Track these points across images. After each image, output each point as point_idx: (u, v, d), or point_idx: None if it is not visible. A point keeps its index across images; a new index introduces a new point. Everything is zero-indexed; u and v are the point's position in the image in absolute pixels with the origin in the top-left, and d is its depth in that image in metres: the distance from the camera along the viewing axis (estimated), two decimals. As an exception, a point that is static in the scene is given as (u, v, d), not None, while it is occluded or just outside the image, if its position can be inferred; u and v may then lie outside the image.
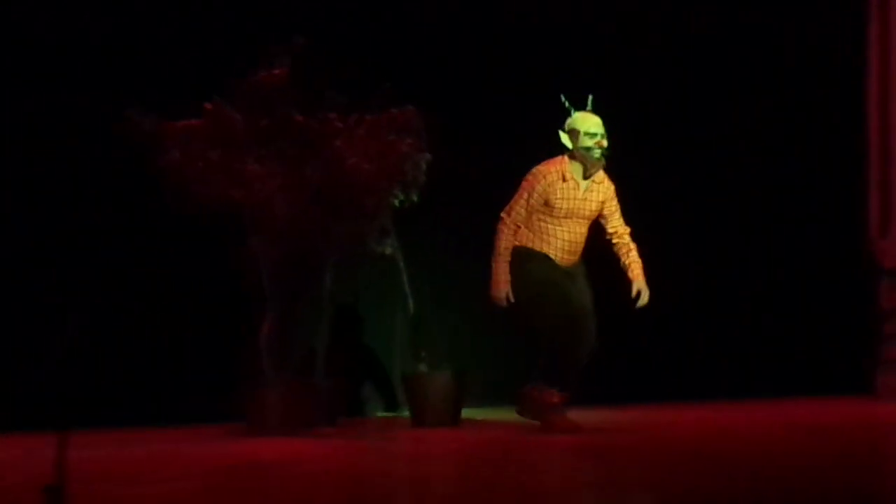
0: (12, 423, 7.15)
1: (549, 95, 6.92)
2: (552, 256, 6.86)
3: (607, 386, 7.70)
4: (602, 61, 8.74)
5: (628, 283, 6.87)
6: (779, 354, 9.31)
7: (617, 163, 6.94)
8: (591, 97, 6.81)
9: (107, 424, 7.31)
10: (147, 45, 7.93)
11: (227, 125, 7.05)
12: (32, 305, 7.70)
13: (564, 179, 6.80)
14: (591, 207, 6.88)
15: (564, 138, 6.82)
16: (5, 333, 7.81)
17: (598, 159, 6.80)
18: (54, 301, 7.40)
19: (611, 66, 8.77)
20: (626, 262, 6.93)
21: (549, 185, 6.77)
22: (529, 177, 6.84)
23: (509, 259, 6.76)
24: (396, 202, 7.32)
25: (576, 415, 6.73)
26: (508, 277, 6.76)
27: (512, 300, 6.73)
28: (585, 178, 6.85)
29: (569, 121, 6.83)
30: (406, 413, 8.01)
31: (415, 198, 7.33)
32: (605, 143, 6.78)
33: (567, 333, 6.64)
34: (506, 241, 6.78)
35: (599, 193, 6.90)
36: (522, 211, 6.78)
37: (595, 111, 6.79)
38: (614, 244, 6.98)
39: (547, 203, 6.78)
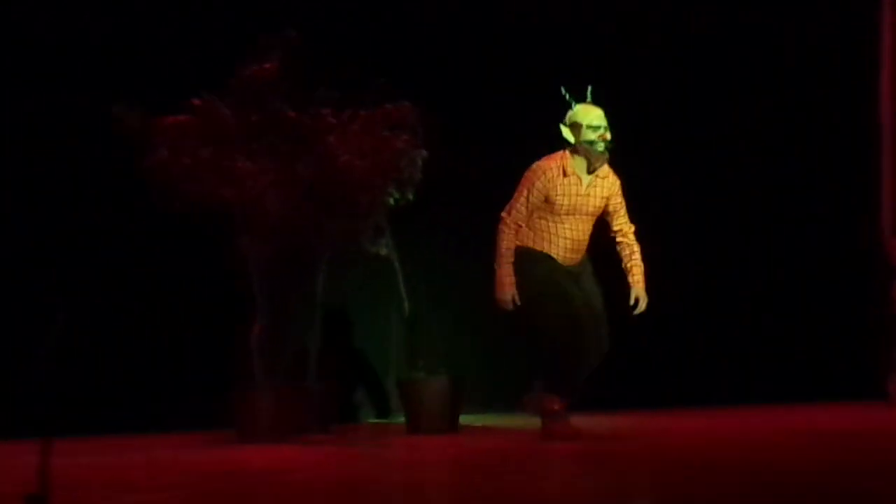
0: (-6, 430, 7.05)
1: (548, 90, 6.80)
2: (554, 256, 6.72)
3: (606, 391, 7.55)
4: (602, 59, 8.63)
5: (627, 287, 6.77)
6: (786, 359, 9.30)
7: (617, 163, 6.84)
8: (590, 88, 6.69)
9: (91, 431, 7.24)
10: (134, 38, 7.81)
11: (217, 121, 6.96)
12: (14, 307, 7.57)
13: (565, 175, 6.64)
14: (594, 204, 6.71)
15: (566, 132, 6.68)
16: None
17: (602, 153, 6.66)
18: (37, 303, 7.31)
19: (611, 64, 8.66)
20: (628, 266, 6.80)
21: (548, 182, 6.62)
22: (528, 173, 6.70)
23: (513, 260, 6.63)
24: (391, 200, 7.24)
25: (574, 421, 6.67)
26: (513, 279, 6.63)
27: (518, 303, 6.59)
28: (589, 172, 6.70)
29: (570, 114, 6.70)
30: (399, 419, 7.96)
31: (410, 196, 7.24)
32: (608, 135, 6.64)
33: (568, 337, 6.52)
34: (507, 242, 6.64)
35: (604, 189, 6.74)
36: (523, 209, 6.64)
37: (595, 102, 6.67)
38: (618, 243, 6.84)
39: (547, 200, 6.63)
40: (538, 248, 6.70)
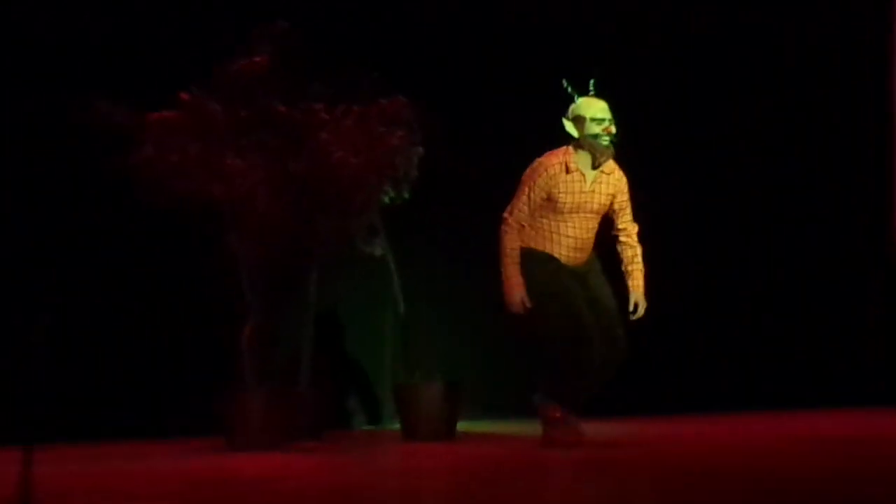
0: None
1: (549, 86, 6.69)
2: (557, 256, 6.57)
3: (605, 397, 7.39)
4: (602, 59, 8.59)
5: (626, 290, 6.66)
6: (788, 363, 9.28)
7: (618, 162, 6.72)
8: (593, 81, 6.55)
9: (74, 438, 7.21)
10: (119, 31, 7.75)
11: (205, 117, 6.89)
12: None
13: (568, 171, 6.49)
14: (599, 201, 6.55)
15: (569, 126, 6.53)
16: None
17: (607, 147, 6.50)
18: (19, 305, 7.28)
19: (610, 64, 8.62)
20: (629, 269, 6.67)
21: (550, 178, 6.47)
22: (530, 171, 6.57)
23: (519, 260, 6.49)
24: (386, 199, 7.17)
25: (581, 427, 6.58)
26: (521, 280, 6.49)
27: (528, 304, 6.45)
28: (594, 168, 6.54)
29: (572, 107, 6.55)
30: (394, 425, 7.90)
31: (406, 194, 7.17)
32: (613, 128, 6.49)
33: (569, 343, 6.38)
34: (511, 242, 6.50)
35: (609, 186, 6.58)
36: (525, 208, 6.51)
37: (598, 95, 6.54)
38: (621, 242, 6.70)
39: (550, 198, 6.48)
40: (541, 248, 6.54)
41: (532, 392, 6.57)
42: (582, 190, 6.50)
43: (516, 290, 6.46)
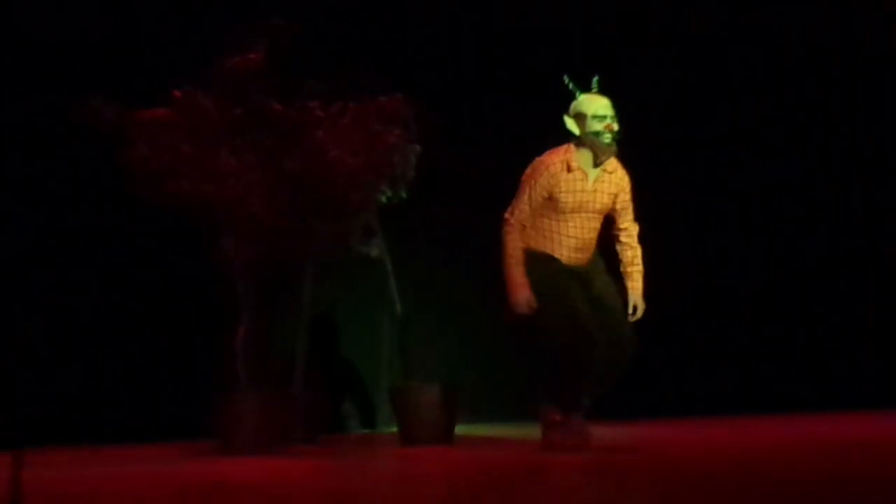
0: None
1: (549, 84, 6.62)
2: (558, 257, 6.47)
3: (605, 400, 7.37)
4: (602, 58, 8.59)
5: (625, 291, 6.57)
6: (789, 367, 9.28)
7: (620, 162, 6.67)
8: (596, 77, 6.45)
9: (64, 442, 7.24)
10: (110, 26, 7.77)
11: (198, 115, 6.86)
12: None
13: (570, 170, 6.39)
14: (602, 200, 6.46)
15: (570, 123, 6.42)
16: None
17: (609, 145, 6.39)
18: (8, 306, 7.28)
19: (610, 64, 8.60)
20: (629, 270, 6.56)
21: (552, 177, 6.37)
22: (530, 170, 6.46)
23: (522, 261, 6.40)
24: (383, 198, 7.14)
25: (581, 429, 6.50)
26: (526, 280, 6.39)
27: (535, 305, 6.38)
28: (595, 166, 6.44)
29: (574, 104, 6.45)
30: (391, 428, 7.88)
31: (403, 194, 7.14)
32: (615, 126, 6.38)
33: (570, 347, 6.29)
34: (514, 243, 6.41)
35: (612, 185, 6.49)
36: (526, 208, 6.41)
37: (602, 93, 6.43)
38: (622, 243, 6.60)
39: (551, 197, 6.39)
40: (541, 248, 6.45)
41: (532, 395, 6.51)
42: (584, 189, 6.40)
43: (521, 290, 6.36)
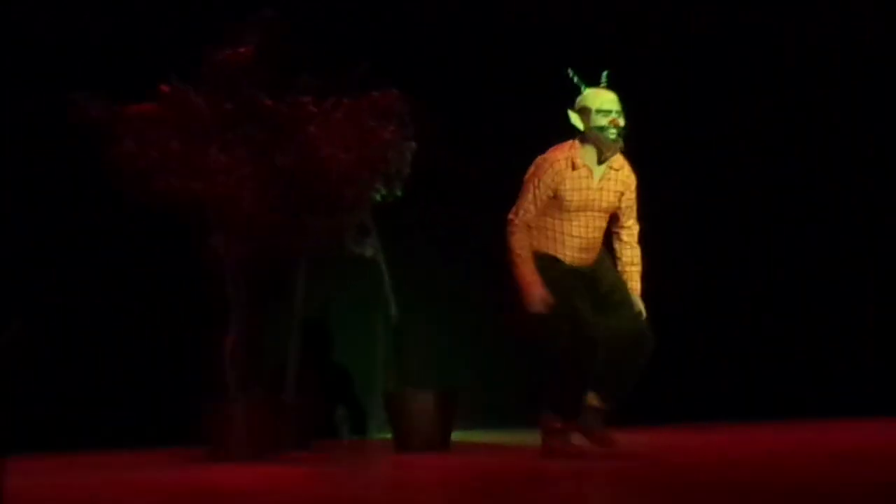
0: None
1: (547, 82, 6.63)
2: (562, 257, 6.35)
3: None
4: (602, 58, 8.58)
5: None
6: (792, 372, 9.25)
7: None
8: (605, 73, 6.34)
9: (50, 449, 7.24)
10: (96, 18, 7.77)
11: (188, 110, 6.83)
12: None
13: (574, 167, 6.28)
14: (608, 199, 6.37)
15: (574, 118, 6.33)
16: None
17: (615, 140, 6.27)
18: None
19: (610, 63, 8.59)
20: (627, 270, 6.46)
21: (557, 174, 6.26)
22: (533, 168, 6.35)
23: (531, 259, 6.28)
24: (378, 196, 7.09)
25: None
26: (537, 277, 6.26)
27: (551, 301, 6.26)
28: (600, 162, 6.35)
29: (579, 98, 6.35)
30: (385, 435, 7.83)
31: (398, 191, 7.09)
32: (621, 121, 6.27)
33: (569, 354, 6.18)
34: (521, 243, 6.28)
35: (618, 182, 6.39)
36: (532, 208, 6.29)
37: (610, 88, 6.34)
38: (622, 241, 6.49)
39: (555, 195, 6.29)
40: (544, 249, 6.33)
41: (531, 400, 6.44)
42: (589, 187, 6.29)
43: (534, 287, 6.22)
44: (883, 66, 9.41)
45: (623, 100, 6.42)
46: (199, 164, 6.78)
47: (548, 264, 6.27)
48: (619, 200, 6.35)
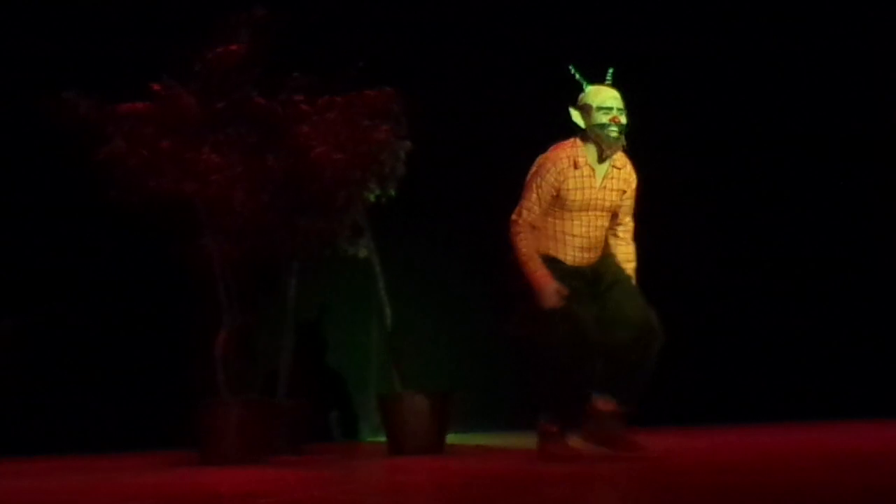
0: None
1: (546, 79, 6.64)
2: (563, 258, 6.26)
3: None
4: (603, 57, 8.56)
5: None
6: (799, 373, 9.28)
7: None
8: (611, 70, 6.25)
9: (37, 452, 7.22)
10: (86, 17, 7.77)
11: (179, 109, 6.82)
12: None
13: (577, 166, 6.19)
14: (611, 198, 6.28)
15: (576, 116, 6.23)
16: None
17: (616, 139, 6.16)
18: None
19: (611, 63, 8.57)
20: (622, 267, 6.37)
21: (559, 173, 6.17)
22: (535, 167, 6.26)
23: (538, 256, 6.19)
24: (371, 197, 7.09)
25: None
26: (547, 271, 6.16)
27: (565, 293, 6.16)
28: (601, 161, 6.23)
29: (580, 95, 6.26)
30: (379, 438, 7.83)
31: (392, 192, 7.09)
32: (623, 119, 6.16)
33: (565, 359, 6.10)
34: (526, 242, 6.18)
35: (620, 181, 6.30)
36: (535, 208, 6.19)
37: (614, 86, 6.25)
38: (618, 237, 6.38)
39: (558, 195, 6.19)
40: (544, 250, 6.24)
41: (527, 403, 6.39)
42: (592, 186, 6.20)
43: (546, 282, 6.11)
44: (883, 66, 9.41)
45: (623, 100, 6.38)
46: (190, 164, 6.77)
47: (548, 263, 6.20)
48: (621, 199, 6.29)
